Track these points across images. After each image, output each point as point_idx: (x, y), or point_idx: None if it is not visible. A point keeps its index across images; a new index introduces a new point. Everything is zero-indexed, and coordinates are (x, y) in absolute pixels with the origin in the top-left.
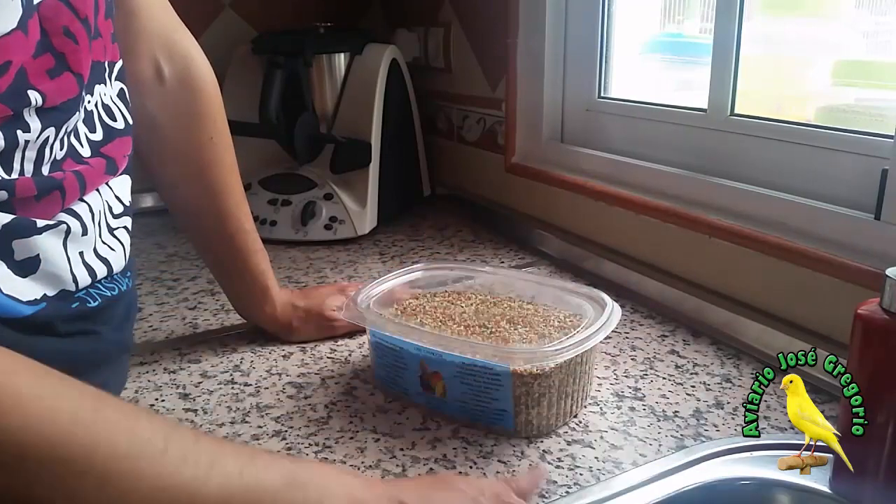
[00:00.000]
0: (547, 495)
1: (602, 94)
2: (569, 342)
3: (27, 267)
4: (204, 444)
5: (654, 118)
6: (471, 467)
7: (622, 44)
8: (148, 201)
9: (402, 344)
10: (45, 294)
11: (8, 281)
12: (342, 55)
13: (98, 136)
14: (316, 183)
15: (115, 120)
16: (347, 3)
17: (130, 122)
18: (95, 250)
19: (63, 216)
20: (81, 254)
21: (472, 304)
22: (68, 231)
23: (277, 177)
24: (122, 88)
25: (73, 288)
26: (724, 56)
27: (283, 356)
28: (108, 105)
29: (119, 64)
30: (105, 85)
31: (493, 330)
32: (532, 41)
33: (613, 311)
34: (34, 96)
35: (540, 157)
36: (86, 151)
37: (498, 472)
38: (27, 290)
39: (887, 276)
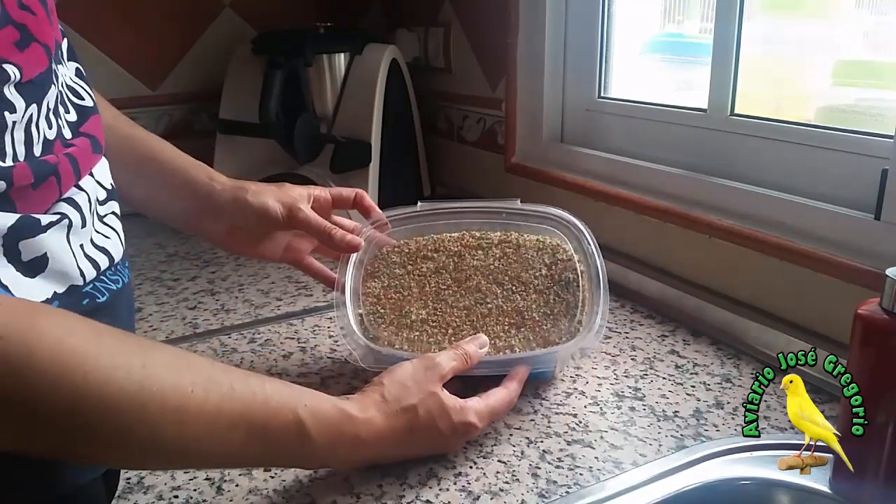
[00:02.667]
0: (547, 495)
1: (602, 94)
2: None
3: (35, 267)
4: (238, 392)
5: (654, 118)
6: (471, 467)
7: (622, 44)
8: None
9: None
10: (55, 292)
11: (19, 284)
12: (342, 55)
13: (73, 116)
14: (316, 183)
15: (82, 98)
16: (347, 3)
17: (94, 99)
18: (93, 241)
19: (63, 207)
20: (82, 246)
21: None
22: (70, 224)
23: (277, 177)
24: (77, 67)
25: (80, 282)
26: (724, 56)
27: (283, 356)
28: (70, 85)
29: (66, 43)
30: (63, 65)
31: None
32: (532, 41)
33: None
34: (11, 70)
35: (540, 157)
36: (68, 133)
37: (498, 473)
38: (38, 290)
39: (887, 276)
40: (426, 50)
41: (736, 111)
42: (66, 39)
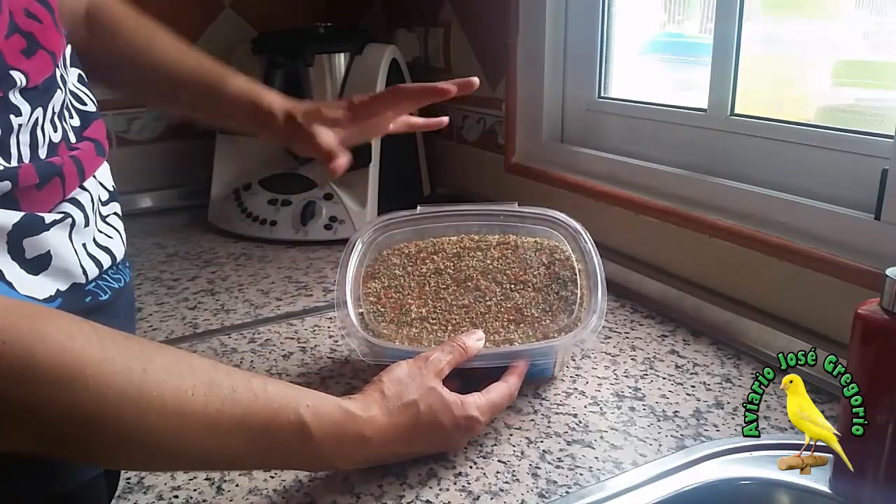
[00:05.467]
0: (547, 495)
1: (602, 94)
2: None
3: (39, 264)
4: (239, 395)
5: (654, 118)
6: (471, 467)
7: (622, 44)
8: (147, 202)
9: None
10: (58, 289)
11: (22, 281)
12: (342, 55)
13: (77, 121)
14: (316, 183)
15: (84, 104)
16: (347, 3)
17: (97, 104)
18: (95, 240)
19: (67, 207)
20: (84, 245)
21: (449, 292)
22: (73, 223)
23: (277, 177)
24: (79, 73)
25: (83, 280)
26: (724, 56)
27: (283, 356)
28: (74, 91)
29: (69, 49)
30: (64, 70)
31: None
32: (532, 41)
33: (584, 237)
34: (18, 76)
35: (540, 157)
36: (73, 137)
37: (498, 473)
38: (41, 287)
39: (887, 276)
40: (426, 50)
41: (736, 111)
42: (69, 46)
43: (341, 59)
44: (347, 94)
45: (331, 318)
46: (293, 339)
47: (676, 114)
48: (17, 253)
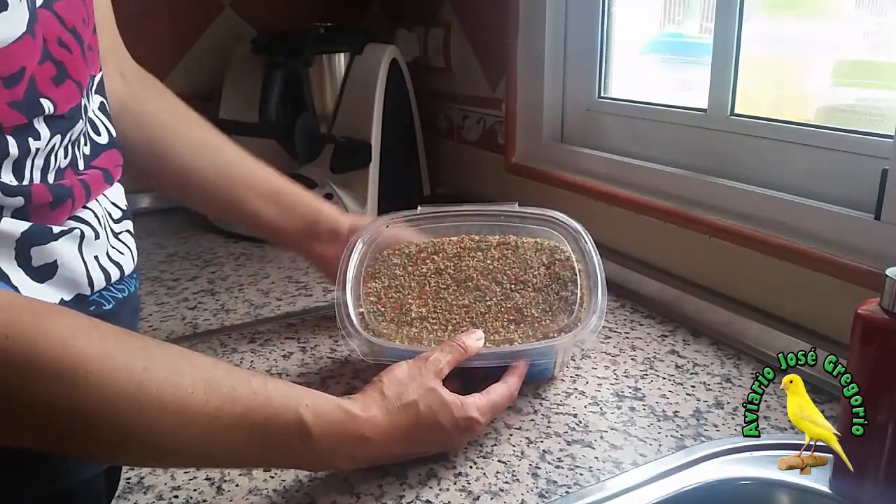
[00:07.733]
0: (547, 495)
1: (602, 94)
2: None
3: (45, 273)
4: (239, 393)
5: (654, 118)
6: (471, 467)
7: (622, 44)
8: (147, 201)
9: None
10: (62, 299)
11: (27, 288)
12: (342, 55)
13: (87, 149)
14: (316, 183)
15: (98, 134)
16: (347, 3)
17: (114, 134)
18: (108, 254)
19: (73, 223)
20: (97, 258)
21: (449, 292)
22: (82, 236)
23: None
24: (102, 102)
25: (88, 291)
26: (724, 56)
27: (283, 356)
28: (91, 119)
29: (99, 76)
30: (87, 99)
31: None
32: (532, 41)
33: (585, 237)
34: (47, 105)
35: (540, 157)
36: (81, 164)
37: (498, 473)
38: (45, 296)
39: (887, 276)
40: (426, 50)
41: (736, 111)
42: (101, 73)
43: (341, 59)
44: (347, 94)
45: (331, 318)
46: (293, 339)
47: (676, 114)
48: (24, 260)
